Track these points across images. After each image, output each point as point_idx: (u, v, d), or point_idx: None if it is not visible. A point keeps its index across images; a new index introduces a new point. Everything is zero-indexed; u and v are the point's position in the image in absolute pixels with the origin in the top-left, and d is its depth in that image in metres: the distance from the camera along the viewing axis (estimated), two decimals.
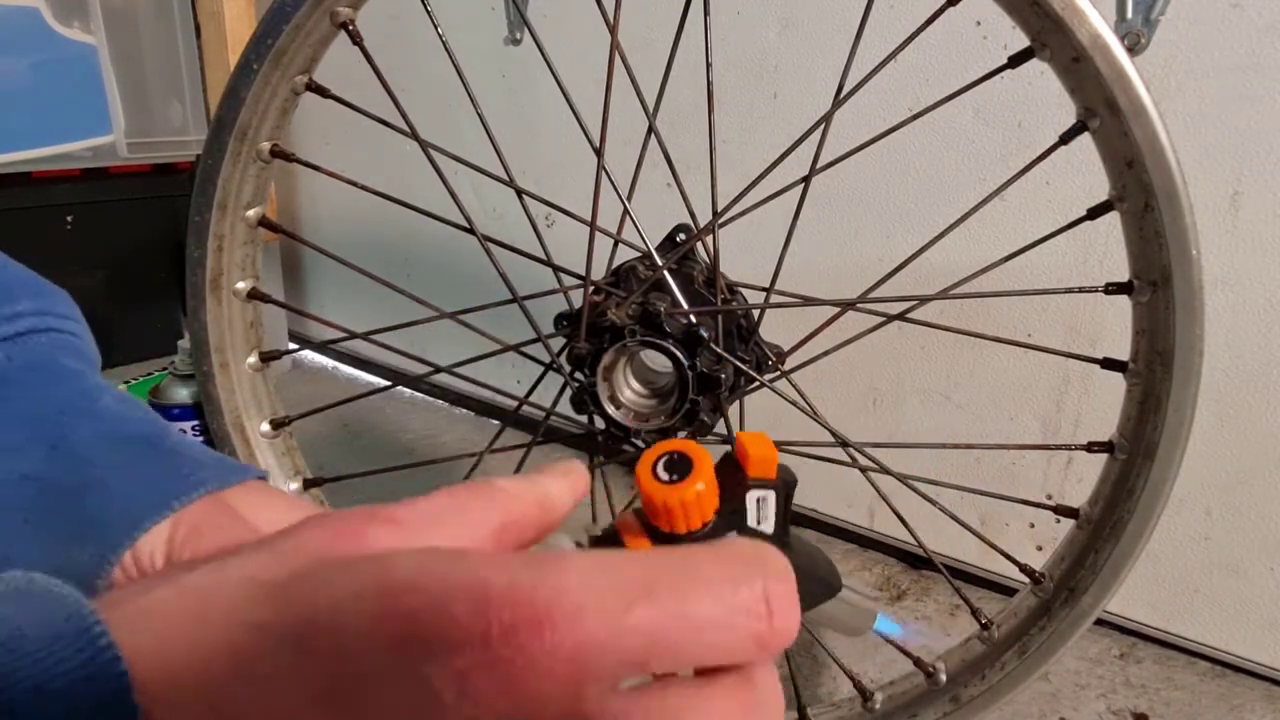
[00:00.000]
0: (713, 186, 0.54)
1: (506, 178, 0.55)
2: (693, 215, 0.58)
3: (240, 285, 0.59)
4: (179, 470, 0.29)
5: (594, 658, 0.17)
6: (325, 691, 0.17)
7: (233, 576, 0.19)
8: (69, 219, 1.34)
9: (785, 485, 0.29)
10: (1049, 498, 0.81)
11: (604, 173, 0.54)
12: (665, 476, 0.26)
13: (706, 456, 0.26)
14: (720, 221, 0.53)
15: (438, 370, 0.63)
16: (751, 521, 0.29)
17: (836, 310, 0.55)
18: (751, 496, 0.28)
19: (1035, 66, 0.46)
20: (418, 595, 0.17)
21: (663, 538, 0.27)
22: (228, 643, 0.18)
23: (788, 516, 0.30)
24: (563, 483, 0.27)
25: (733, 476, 0.29)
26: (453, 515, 0.23)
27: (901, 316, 0.56)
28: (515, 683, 0.16)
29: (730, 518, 0.28)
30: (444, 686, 0.16)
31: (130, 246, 1.41)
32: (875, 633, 0.37)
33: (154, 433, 0.31)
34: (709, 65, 0.52)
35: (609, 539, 0.27)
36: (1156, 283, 0.46)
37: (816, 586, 0.33)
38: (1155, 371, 0.48)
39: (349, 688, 0.17)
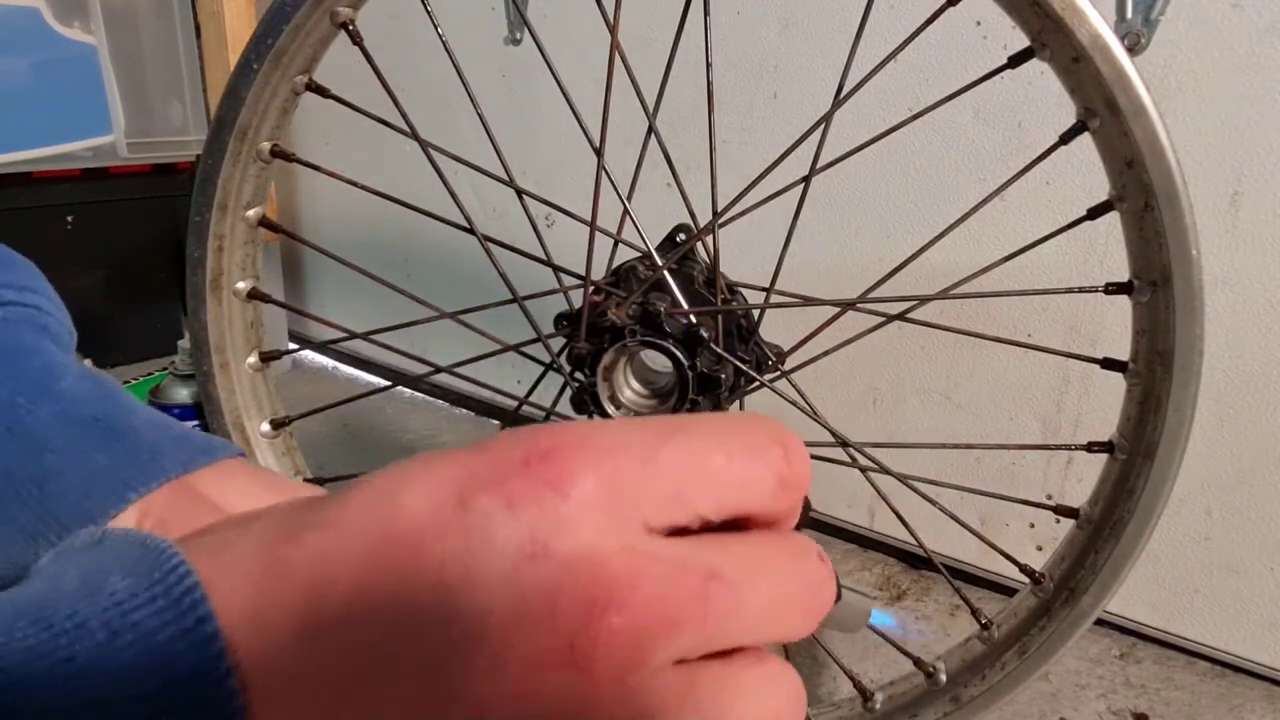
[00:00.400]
0: (713, 186, 0.54)
1: (506, 178, 0.55)
2: (693, 215, 0.58)
3: (240, 285, 0.59)
4: (136, 457, 0.27)
5: (631, 496, 0.17)
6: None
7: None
8: (69, 219, 1.34)
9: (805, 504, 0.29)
10: (1049, 498, 0.81)
11: (604, 173, 0.54)
12: None
13: None
14: (720, 221, 0.53)
15: (438, 370, 0.63)
16: None
17: (836, 310, 0.55)
18: None
19: (1035, 66, 0.46)
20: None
21: None
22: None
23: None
24: None
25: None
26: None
27: (901, 316, 0.56)
28: (554, 523, 0.16)
29: None
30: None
31: (130, 246, 1.41)
32: (870, 628, 0.36)
33: (113, 414, 0.29)
34: (709, 65, 0.52)
35: None
36: (1156, 283, 0.46)
37: None
38: (1155, 371, 0.48)
39: None
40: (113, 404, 0.29)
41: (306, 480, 0.63)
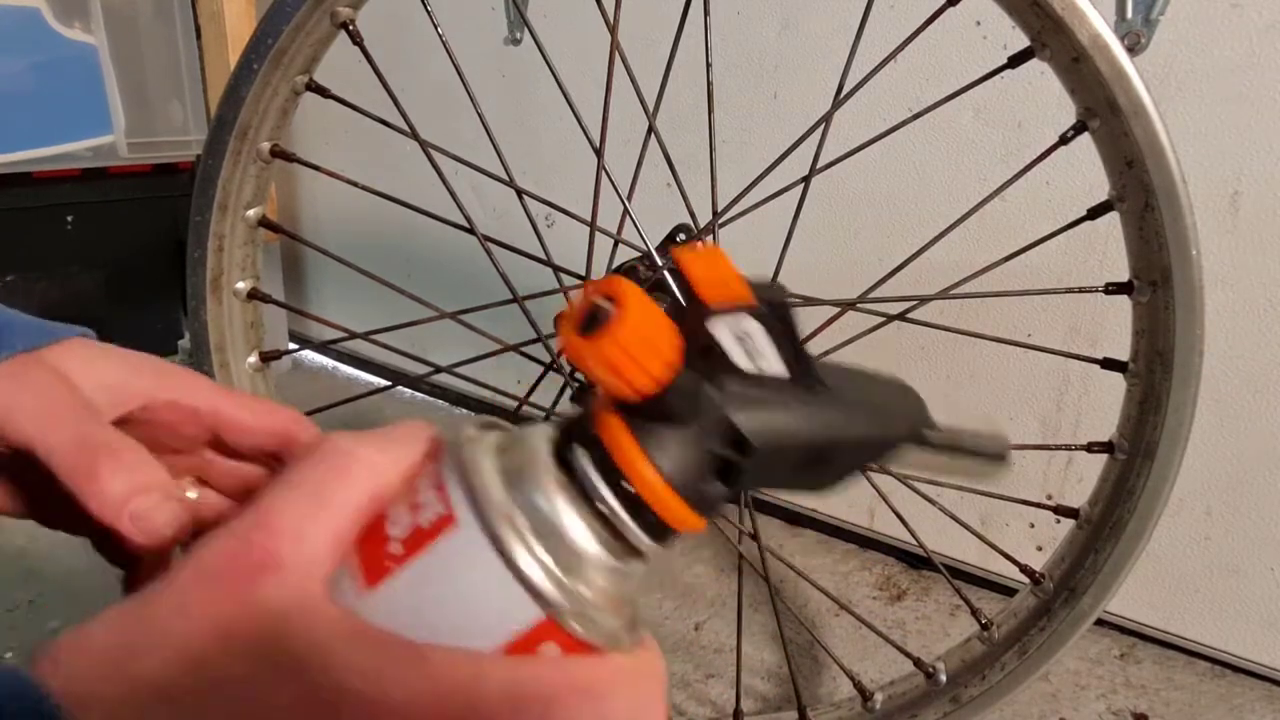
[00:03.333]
0: (713, 186, 0.54)
1: (506, 178, 0.55)
2: (693, 215, 0.58)
3: (240, 285, 0.59)
4: None
5: None
6: None
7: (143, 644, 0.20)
8: (69, 219, 1.34)
9: (772, 307, 0.23)
10: (1049, 498, 0.81)
11: (604, 173, 0.54)
12: (589, 330, 0.20)
13: (634, 290, 0.21)
14: (720, 221, 0.53)
15: (438, 370, 0.63)
16: (741, 362, 0.23)
17: (836, 310, 0.55)
18: (722, 329, 0.22)
19: (1035, 66, 0.46)
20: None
21: (633, 410, 0.21)
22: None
23: (799, 347, 0.24)
24: (418, 449, 0.24)
25: (692, 312, 0.23)
26: (322, 521, 0.21)
27: (901, 316, 0.56)
28: None
29: (705, 362, 0.22)
30: None
31: (130, 246, 1.41)
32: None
33: None
34: (709, 65, 0.52)
35: (580, 424, 0.23)
36: (1156, 283, 0.46)
37: (887, 428, 0.26)
38: (1155, 371, 0.48)
39: None
40: None
41: None
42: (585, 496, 0.21)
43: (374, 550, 0.21)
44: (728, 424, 0.22)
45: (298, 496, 0.21)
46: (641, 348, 0.20)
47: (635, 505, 0.22)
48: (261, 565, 0.20)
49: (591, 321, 0.20)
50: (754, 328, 0.23)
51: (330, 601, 0.21)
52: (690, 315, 0.23)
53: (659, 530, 0.22)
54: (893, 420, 0.26)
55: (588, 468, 0.22)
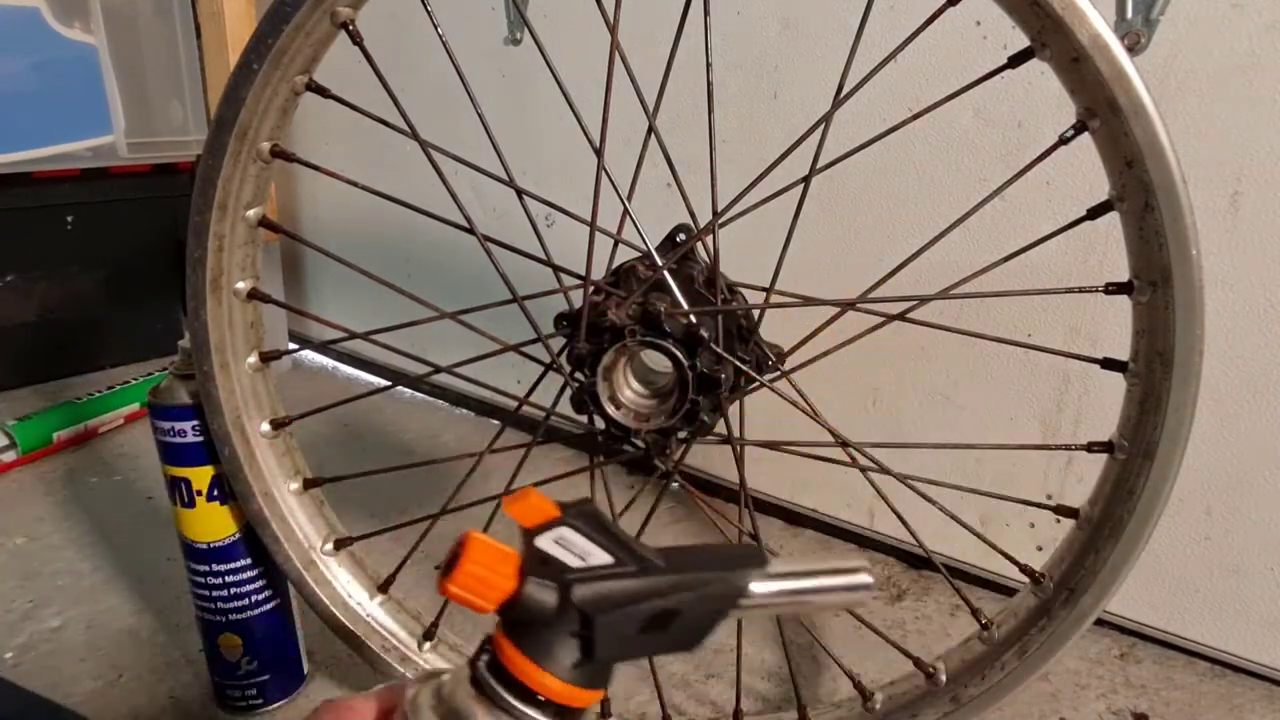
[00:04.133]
0: (713, 186, 0.54)
1: (506, 178, 0.55)
2: (693, 215, 0.58)
3: (240, 285, 0.59)
4: None
5: None
6: None
7: None
8: (69, 219, 1.34)
9: (580, 514, 0.29)
10: (1049, 498, 0.81)
11: (604, 173, 0.54)
12: (446, 572, 0.28)
13: (471, 535, 0.28)
14: (720, 221, 0.53)
15: (438, 370, 0.63)
16: (569, 560, 0.29)
17: (836, 310, 0.55)
18: (545, 541, 0.29)
19: (1035, 66, 0.46)
20: None
21: (512, 625, 0.29)
22: None
23: (618, 538, 0.29)
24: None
25: (523, 540, 0.29)
26: None
27: (901, 316, 0.56)
28: None
29: (545, 569, 0.28)
30: None
31: (130, 246, 1.41)
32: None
33: None
34: (709, 65, 0.52)
35: (484, 651, 0.29)
36: (1156, 283, 0.46)
37: (711, 594, 0.30)
38: (1155, 371, 0.48)
39: None
40: None
41: (307, 480, 0.64)
42: (504, 709, 0.28)
43: None
44: (571, 605, 0.28)
45: None
46: (483, 576, 0.27)
47: (542, 704, 0.28)
48: None
49: (449, 565, 0.27)
50: (569, 534, 0.29)
51: None
52: (523, 542, 0.29)
53: (568, 714, 0.28)
54: (727, 568, 0.31)
55: (497, 688, 0.28)
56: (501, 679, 0.28)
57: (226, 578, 0.63)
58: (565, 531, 0.29)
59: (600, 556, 0.29)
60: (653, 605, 0.29)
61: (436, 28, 0.54)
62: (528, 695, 0.28)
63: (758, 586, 0.30)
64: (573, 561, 0.29)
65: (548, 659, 0.28)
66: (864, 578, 0.31)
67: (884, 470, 0.57)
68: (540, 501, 0.29)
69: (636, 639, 0.29)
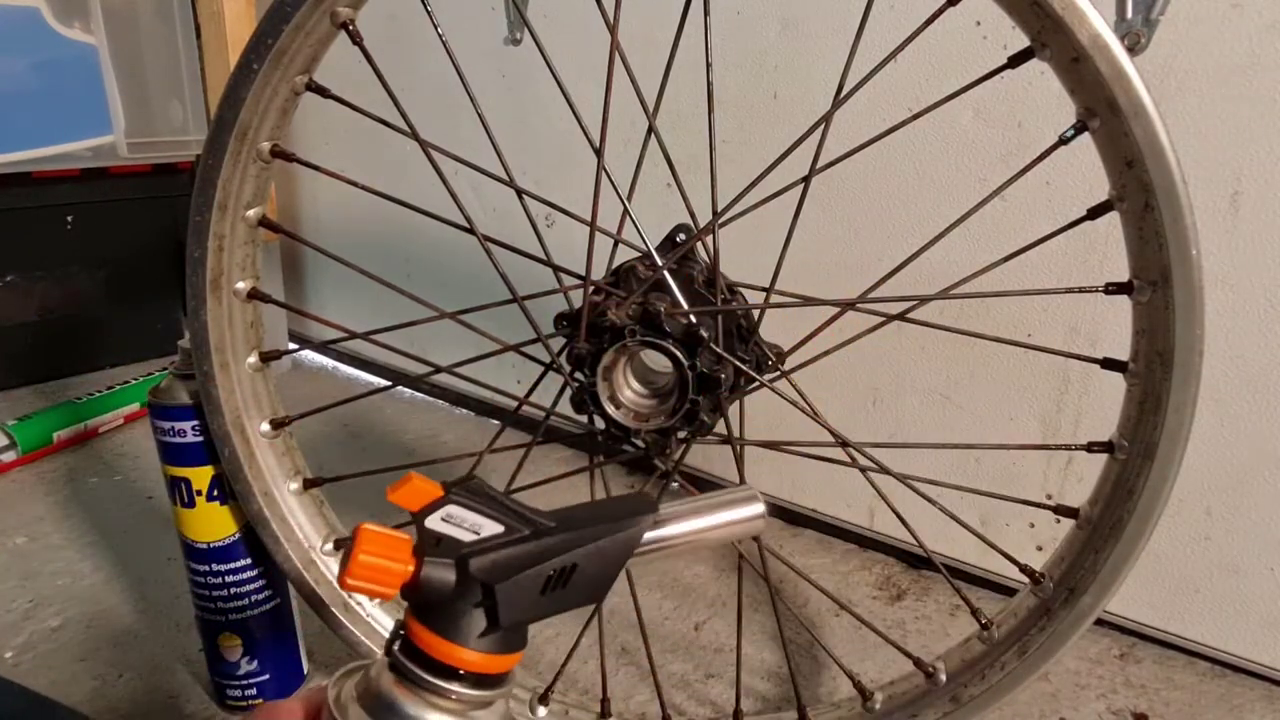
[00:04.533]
0: (713, 186, 0.54)
1: (506, 178, 0.55)
2: (693, 215, 0.58)
3: (240, 285, 0.59)
4: None
5: None
6: None
7: None
8: (69, 219, 1.34)
9: (464, 489, 0.30)
10: (1049, 498, 0.81)
11: (604, 173, 0.54)
12: (343, 566, 0.29)
13: (363, 527, 0.29)
14: (720, 221, 0.53)
15: (438, 370, 0.63)
16: (461, 535, 0.30)
17: (836, 310, 0.55)
18: (434, 521, 0.30)
19: (1035, 66, 0.46)
20: None
21: (420, 608, 0.30)
22: None
23: (508, 506, 0.30)
24: None
25: (416, 524, 0.30)
26: None
27: (901, 316, 0.56)
28: None
29: (443, 550, 0.29)
30: None
31: (130, 246, 1.41)
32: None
33: None
34: (709, 65, 0.52)
35: (397, 637, 0.31)
36: (1156, 283, 0.46)
37: (605, 546, 0.32)
38: (1155, 371, 0.48)
39: None
40: None
41: (307, 480, 0.64)
42: (425, 689, 0.29)
43: None
44: (470, 578, 0.29)
45: None
46: (378, 565, 0.28)
47: (461, 676, 0.29)
48: None
49: (344, 559, 0.29)
50: (457, 510, 0.30)
51: None
52: (416, 526, 0.30)
53: (489, 681, 0.30)
54: (617, 519, 0.32)
55: (415, 669, 0.29)
56: (418, 660, 0.29)
57: (226, 577, 0.63)
58: (453, 509, 0.30)
59: (491, 527, 0.30)
60: (549, 565, 0.30)
61: (436, 28, 0.54)
62: (446, 671, 0.29)
63: (650, 533, 0.32)
64: (465, 536, 0.30)
65: (457, 633, 0.29)
66: (755, 507, 0.33)
67: (884, 470, 0.57)
68: (423, 484, 0.30)
69: (540, 599, 0.30)
